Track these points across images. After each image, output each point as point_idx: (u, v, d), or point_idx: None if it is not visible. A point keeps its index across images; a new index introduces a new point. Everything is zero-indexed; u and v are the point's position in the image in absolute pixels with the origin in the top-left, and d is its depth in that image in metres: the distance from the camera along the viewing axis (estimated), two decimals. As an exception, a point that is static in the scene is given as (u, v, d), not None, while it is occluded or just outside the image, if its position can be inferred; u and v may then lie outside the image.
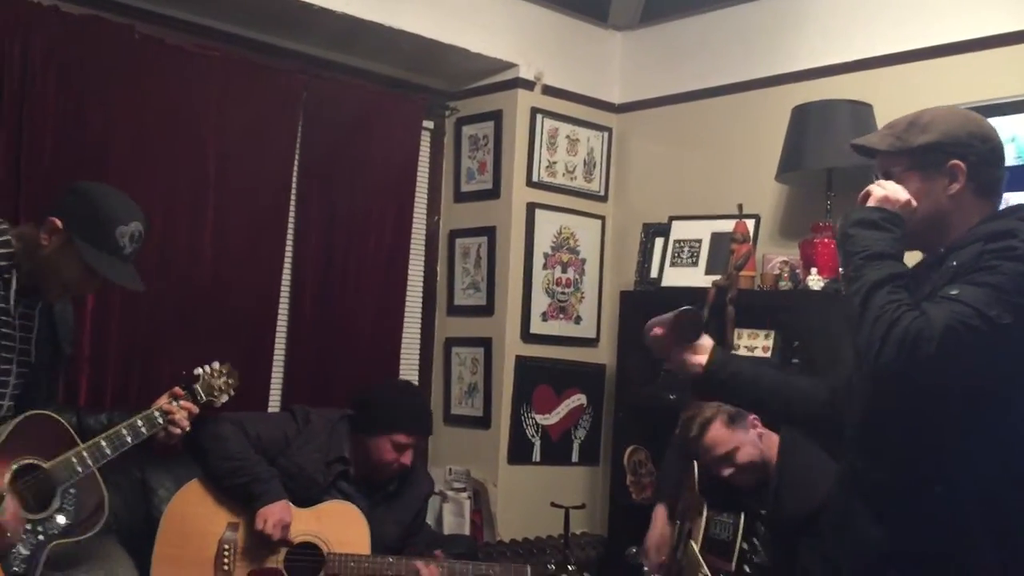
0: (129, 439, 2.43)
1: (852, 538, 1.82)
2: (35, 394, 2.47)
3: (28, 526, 2.29)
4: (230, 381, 2.72)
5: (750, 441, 2.79)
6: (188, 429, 2.56)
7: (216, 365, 2.71)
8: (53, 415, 2.40)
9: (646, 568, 3.60)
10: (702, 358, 2.05)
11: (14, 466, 2.29)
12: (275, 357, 3.64)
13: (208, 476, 2.89)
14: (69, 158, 3.11)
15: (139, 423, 2.45)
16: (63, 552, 2.39)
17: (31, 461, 2.32)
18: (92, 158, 3.16)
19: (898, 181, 1.84)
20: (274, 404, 3.61)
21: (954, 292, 1.68)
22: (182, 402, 2.56)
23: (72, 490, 2.38)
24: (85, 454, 2.37)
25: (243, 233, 3.51)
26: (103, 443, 2.40)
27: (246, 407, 3.23)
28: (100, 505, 2.44)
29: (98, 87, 3.17)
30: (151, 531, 2.85)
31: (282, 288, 3.66)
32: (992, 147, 1.86)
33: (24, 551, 2.27)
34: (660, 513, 3.17)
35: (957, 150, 1.81)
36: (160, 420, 2.49)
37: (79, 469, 2.36)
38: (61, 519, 2.35)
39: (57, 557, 2.36)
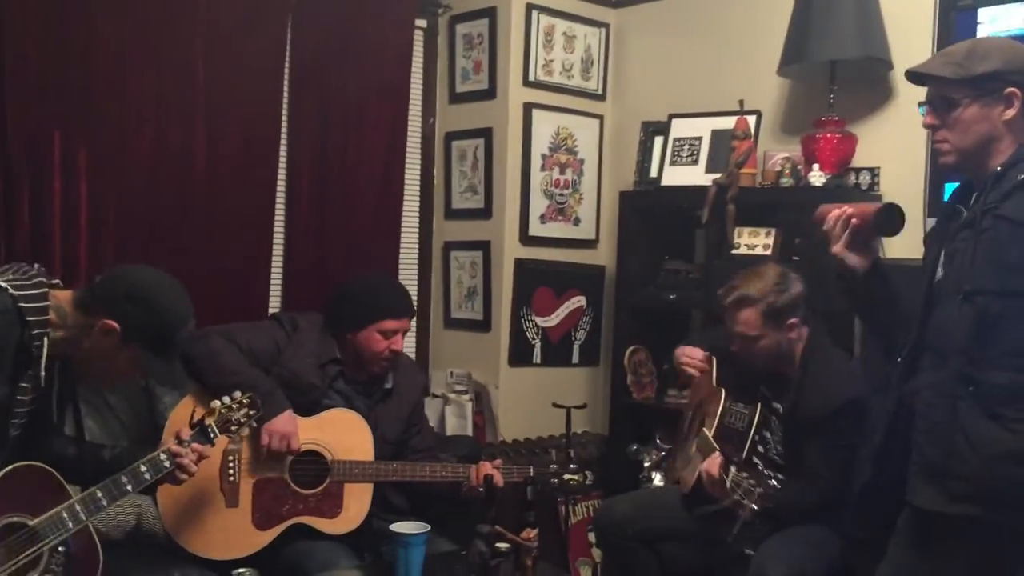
0: (129, 487, 2.22)
1: (966, 442, 1.89)
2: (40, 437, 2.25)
3: None
4: (251, 412, 2.51)
5: (776, 340, 2.79)
6: (196, 473, 2.36)
7: (237, 395, 2.51)
8: (41, 465, 2.15)
9: (647, 464, 3.66)
10: (864, 261, 2.17)
11: None
12: (273, 262, 3.62)
13: (208, 393, 2.74)
14: (55, 69, 3.04)
15: (142, 468, 2.25)
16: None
17: (15, 519, 2.08)
18: (78, 67, 3.09)
19: (958, 107, 2.00)
20: (274, 309, 3.60)
21: None
22: (193, 445, 2.36)
23: (61, 548, 2.13)
24: (78, 507, 2.14)
25: (235, 138, 3.45)
26: (99, 493, 2.17)
27: (246, 315, 3.24)
28: (94, 553, 2.22)
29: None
30: (156, 438, 2.86)
31: (277, 194, 3.62)
32: None
33: None
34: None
35: (1015, 78, 1.99)
36: (167, 464, 2.30)
37: (70, 524, 2.12)
38: None
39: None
